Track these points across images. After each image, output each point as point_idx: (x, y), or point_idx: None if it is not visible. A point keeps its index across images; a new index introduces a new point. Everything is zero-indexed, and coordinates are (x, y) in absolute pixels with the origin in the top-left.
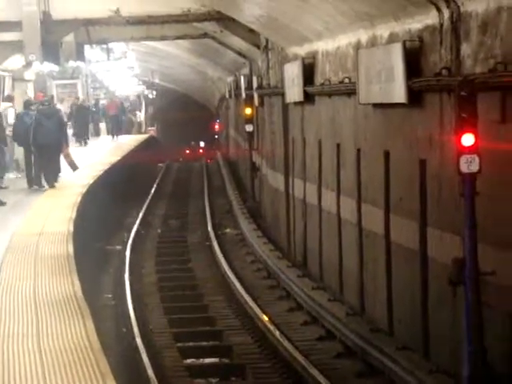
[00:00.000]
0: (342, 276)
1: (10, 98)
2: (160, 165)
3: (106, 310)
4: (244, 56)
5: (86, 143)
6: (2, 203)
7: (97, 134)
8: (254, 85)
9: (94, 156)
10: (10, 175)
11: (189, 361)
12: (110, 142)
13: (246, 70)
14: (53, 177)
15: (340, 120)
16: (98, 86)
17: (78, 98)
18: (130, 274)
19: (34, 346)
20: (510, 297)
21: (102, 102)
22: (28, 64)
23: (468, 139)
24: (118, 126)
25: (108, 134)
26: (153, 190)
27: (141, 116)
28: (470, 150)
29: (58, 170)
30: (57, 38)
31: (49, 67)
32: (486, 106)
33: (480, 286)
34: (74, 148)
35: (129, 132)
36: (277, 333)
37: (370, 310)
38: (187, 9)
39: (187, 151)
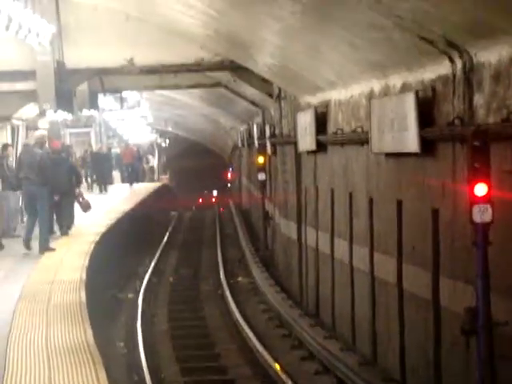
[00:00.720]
0: (354, 325)
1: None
2: (173, 213)
3: (118, 358)
4: (257, 105)
5: (105, 190)
6: (1, 246)
7: (110, 182)
8: (267, 133)
9: (108, 203)
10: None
11: None
12: (125, 189)
13: (258, 119)
14: (66, 224)
15: (352, 169)
16: (111, 135)
17: (90, 146)
18: (142, 323)
19: None
20: None
21: (115, 150)
22: (42, 113)
23: (481, 189)
24: (134, 174)
25: (122, 181)
26: (165, 239)
27: (154, 164)
28: (483, 199)
29: (72, 218)
30: (71, 86)
31: (62, 116)
32: (498, 156)
33: (493, 336)
34: (92, 195)
35: (142, 180)
36: (289, 382)
37: (382, 359)
38: (200, 58)
39: (200, 199)
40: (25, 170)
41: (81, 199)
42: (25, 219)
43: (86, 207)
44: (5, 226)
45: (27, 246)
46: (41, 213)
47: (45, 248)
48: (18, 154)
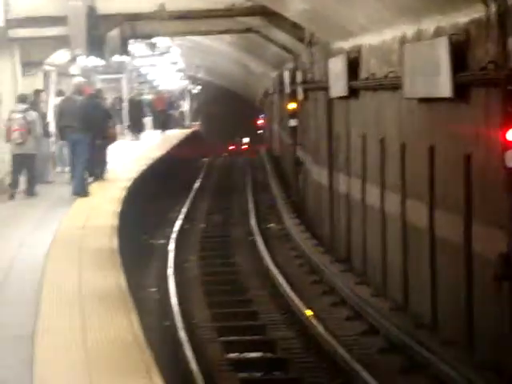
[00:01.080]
0: (385, 271)
1: (62, 93)
2: (204, 159)
3: (150, 303)
4: (288, 51)
5: (138, 136)
6: (35, 193)
7: (142, 128)
8: (298, 79)
9: (140, 150)
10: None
11: (232, 355)
12: (156, 136)
13: (290, 65)
14: (100, 169)
15: (385, 114)
16: (142, 81)
17: (120, 92)
18: (174, 268)
19: (78, 340)
20: None
21: (146, 96)
22: (73, 59)
23: None
24: (165, 121)
25: (154, 128)
26: (196, 185)
27: (185, 110)
28: None
29: (106, 163)
30: (102, 32)
31: (94, 62)
32: None
33: None
34: (126, 141)
35: (173, 126)
36: (320, 327)
37: (413, 304)
38: (231, 3)
39: (231, 146)
40: (67, 118)
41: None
42: (59, 167)
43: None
44: (37, 172)
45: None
46: (81, 157)
47: (81, 192)
48: (58, 104)
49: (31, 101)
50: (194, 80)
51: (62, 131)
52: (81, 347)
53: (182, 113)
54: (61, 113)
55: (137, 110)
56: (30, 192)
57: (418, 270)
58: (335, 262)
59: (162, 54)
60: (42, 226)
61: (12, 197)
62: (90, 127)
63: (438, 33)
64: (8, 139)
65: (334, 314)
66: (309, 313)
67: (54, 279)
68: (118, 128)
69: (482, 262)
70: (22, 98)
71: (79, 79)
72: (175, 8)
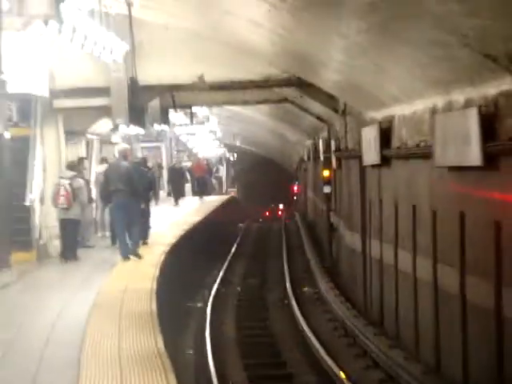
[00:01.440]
0: (418, 335)
1: (105, 160)
2: (240, 224)
3: (187, 365)
4: (322, 120)
5: (178, 202)
6: (77, 257)
7: (183, 195)
8: (332, 148)
9: (180, 215)
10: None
11: None
12: (195, 202)
13: (324, 134)
14: (143, 235)
15: (416, 182)
16: (181, 149)
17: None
18: (211, 331)
19: None
20: None
21: (185, 163)
22: (115, 127)
23: None
24: (204, 187)
25: (193, 194)
26: (233, 249)
27: (222, 177)
28: None
29: (149, 228)
30: (143, 102)
31: (135, 130)
32: None
33: None
34: (166, 206)
35: (211, 193)
36: None
37: (445, 368)
38: (268, 75)
39: (266, 212)
40: (114, 183)
41: None
42: (100, 232)
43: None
44: (79, 236)
45: (132, 254)
46: (135, 221)
47: (136, 253)
48: (104, 169)
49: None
50: (231, 148)
51: (109, 196)
52: None
53: (219, 179)
54: (107, 178)
55: (178, 176)
56: (72, 256)
57: (449, 334)
58: (368, 325)
59: (200, 122)
60: (84, 288)
61: (65, 260)
62: (137, 191)
63: (467, 104)
64: (55, 205)
65: (368, 377)
66: (342, 375)
67: (94, 341)
68: (160, 194)
69: None
70: (70, 166)
71: (124, 145)
72: (214, 79)
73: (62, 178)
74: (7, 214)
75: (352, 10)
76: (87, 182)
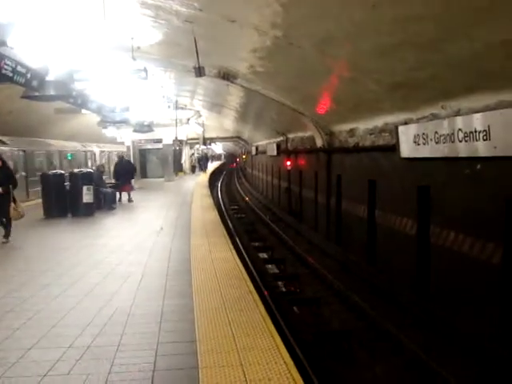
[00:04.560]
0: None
1: None
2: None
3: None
4: (244, 141)
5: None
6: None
7: None
8: (252, 151)
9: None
10: None
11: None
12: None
13: (246, 147)
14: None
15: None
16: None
17: None
18: (220, 189)
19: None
20: None
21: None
22: None
23: None
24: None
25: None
26: (224, 173)
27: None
28: None
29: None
30: None
31: None
32: None
33: None
34: None
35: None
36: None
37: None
38: None
39: (233, 165)
40: None
41: None
42: None
43: None
44: None
45: None
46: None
47: None
48: None
49: None
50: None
51: None
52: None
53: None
54: None
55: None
56: None
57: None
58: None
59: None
60: None
61: None
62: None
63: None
64: None
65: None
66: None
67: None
68: None
69: None
70: None
71: None
72: None
73: None
74: None
75: (232, 107)
76: None
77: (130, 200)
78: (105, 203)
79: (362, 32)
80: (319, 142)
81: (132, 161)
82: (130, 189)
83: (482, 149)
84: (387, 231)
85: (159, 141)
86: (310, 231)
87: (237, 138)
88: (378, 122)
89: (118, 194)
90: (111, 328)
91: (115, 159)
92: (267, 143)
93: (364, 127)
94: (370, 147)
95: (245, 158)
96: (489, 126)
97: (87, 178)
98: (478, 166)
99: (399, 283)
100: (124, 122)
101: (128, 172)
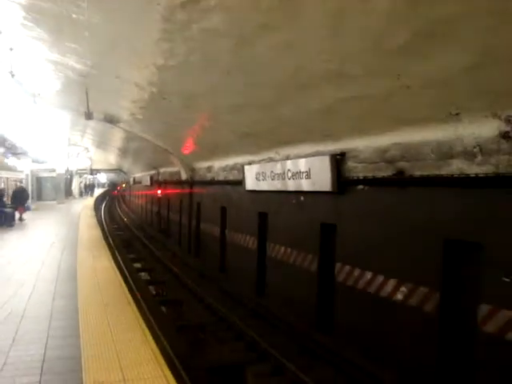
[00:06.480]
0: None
1: None
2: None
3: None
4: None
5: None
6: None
7: None
8: (130, 181)
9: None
10: None
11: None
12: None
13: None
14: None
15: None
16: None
17: None
18: (103, 212)
19: None
20: None
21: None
22: None
23: None
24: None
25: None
26: (107, 198)
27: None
28: None
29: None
30: None
31: None
32: None
33: None
34: None
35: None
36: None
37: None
38: None
39: (115, 192)
40: None
41: None
42: None
43: None
44: None
45: None
46: None
47: None
48: None
49: None
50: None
51: None
52: None
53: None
54: None
55: None
56: None
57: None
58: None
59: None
60: None
61: None
62: None
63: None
64: None
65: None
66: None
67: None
68: None
69: None
70: None
71: None
72: None
73: None
74: None
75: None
76: None
77: (21, 219)
78: (5, 220)
79: (218, 92)
80: (184, 176)
81: (30, 186)
82: (22, 210)
83: (304, 185)
84: (236, 247)
85: (53, 170)
86: (175, 246)
87: (119, 170)
88: (230, 161)
89: (16, 214)
90: (7, 327)
91: (14, 184)
92: (143, 175)
93: (219, 165)
94: (223, 181)
95: (125, 187)
96: (309, 168)
97: None
98: (302, 198)
99: (244, 286)
100: (24, 153)
101: (22, 196)
